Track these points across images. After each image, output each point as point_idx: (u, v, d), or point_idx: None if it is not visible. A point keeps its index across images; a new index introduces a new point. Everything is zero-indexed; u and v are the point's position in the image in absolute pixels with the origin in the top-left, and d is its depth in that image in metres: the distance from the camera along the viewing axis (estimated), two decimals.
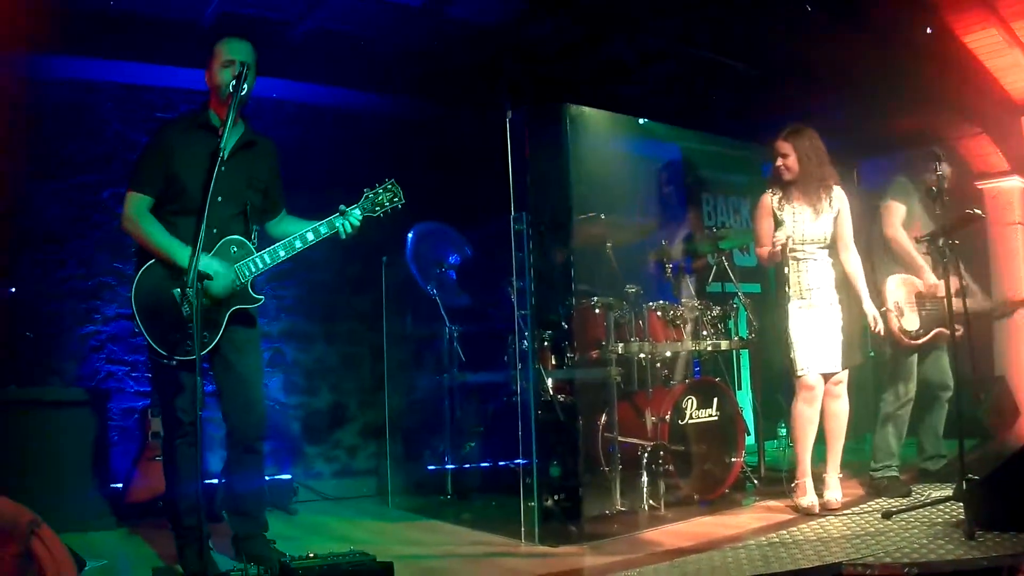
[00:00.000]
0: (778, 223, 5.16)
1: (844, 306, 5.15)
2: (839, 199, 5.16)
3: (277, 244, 3.98)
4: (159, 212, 3.92)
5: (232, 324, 3.94)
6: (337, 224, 4.02)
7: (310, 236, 4.00)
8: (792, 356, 5.07)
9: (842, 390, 5.14)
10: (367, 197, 4.10)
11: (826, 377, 5.09)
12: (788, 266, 5.12)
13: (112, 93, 6.27)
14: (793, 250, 5.09)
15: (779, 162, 5.17)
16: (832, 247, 5.16)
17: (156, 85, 6.34)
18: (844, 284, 5.19)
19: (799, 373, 5.06)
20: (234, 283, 3.88)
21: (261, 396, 4.18)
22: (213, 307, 3.84)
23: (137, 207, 3.89)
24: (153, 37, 5.83)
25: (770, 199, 5.21)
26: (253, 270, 3.93)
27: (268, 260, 3.95)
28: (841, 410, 5.14)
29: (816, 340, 5.04)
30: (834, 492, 5.11)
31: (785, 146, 5.15)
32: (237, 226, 3.98)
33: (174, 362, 3.78)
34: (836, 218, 5.14)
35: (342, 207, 4.03)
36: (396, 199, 4.15)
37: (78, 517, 4.91)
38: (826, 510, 5.00)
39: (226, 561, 4.05)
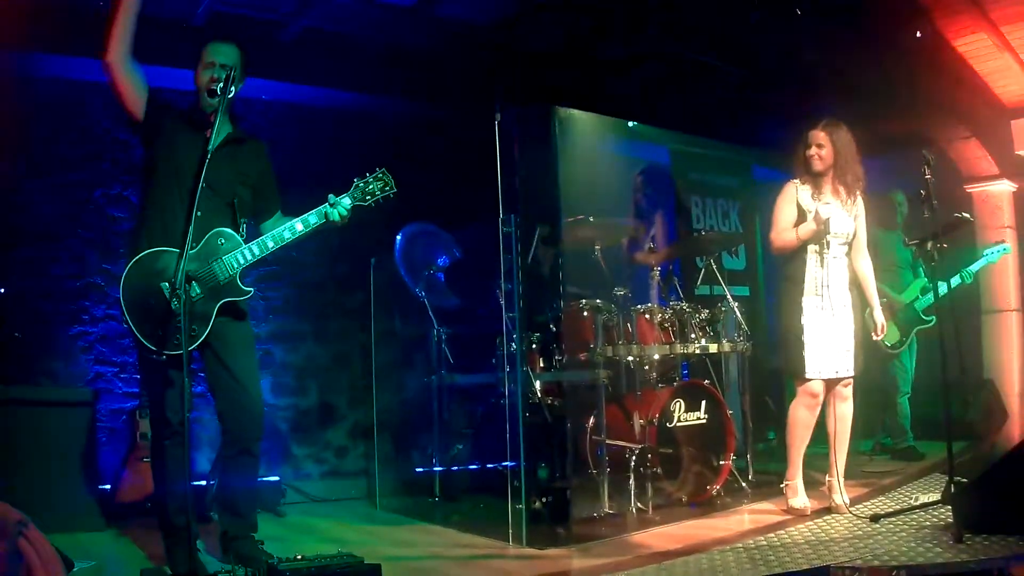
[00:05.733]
0: (802, 213, 5.01)
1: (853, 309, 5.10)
2: (860, 202, 5.10)
3: (266, 235, 3.96)
4: (149, 198, 3.94)
5: (222, 319, 3.91)
6: (325, 211, 3.99)
7: (299, 227, 3.97)
8: (802, 355, 4.94)
9: (850, 392, 5.09)
10: (357, 186, 4.05)
11: (837, 381, 5.03)
12: (806, 260, 4.98)
13: (102, 92, 6.16)
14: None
15: (812, 152, 4.99)
16: (850, 247, 5.09)
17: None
18: (852, 286, 5.12)
19: (807, 376, 4.95)
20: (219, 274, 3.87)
21: (258, 398, 4.14)
22: (202, 300, 3.82)
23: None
24: (143, 36, 5.79)
25: (795, 189, 5.07)
26: (242, 261, 3.90)
27: (257, 251, 3.92)
28: (848, 413, 5.10)
29: (829, 343, 4.93)
30: (843, 495, 5.05)
31: (821, 136, 5.00)
32: (224, 218, 3.96)
33: (163, 357, 3.74)
34: (856, 219, 5.07)
35: (331, 197, 4.00)
36: (388, 188, 4.10)
37: (66, 517, 4.89)
38: (838, 514, 4.96)
39: (214, 562, 4.04)
